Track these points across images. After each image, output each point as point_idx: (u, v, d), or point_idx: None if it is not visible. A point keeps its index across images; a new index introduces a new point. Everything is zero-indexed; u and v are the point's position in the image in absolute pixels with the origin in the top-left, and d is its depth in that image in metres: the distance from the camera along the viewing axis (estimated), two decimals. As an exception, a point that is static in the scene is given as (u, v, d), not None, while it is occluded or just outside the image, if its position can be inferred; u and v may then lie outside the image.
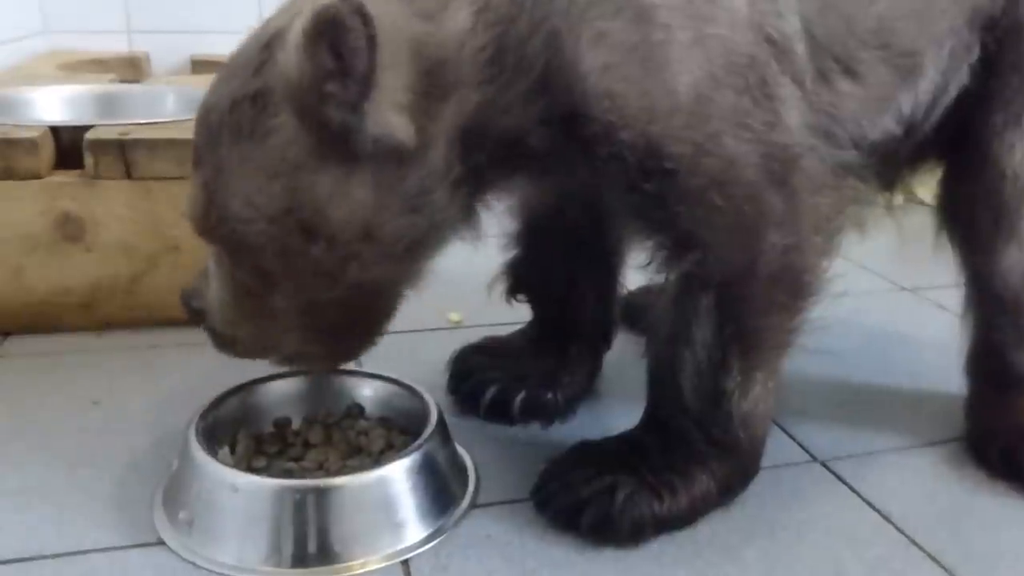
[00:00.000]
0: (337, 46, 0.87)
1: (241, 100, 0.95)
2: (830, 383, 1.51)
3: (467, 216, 1.06)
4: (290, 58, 0.90)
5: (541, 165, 1.05)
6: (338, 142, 0.93)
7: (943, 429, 1.35)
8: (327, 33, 0.86)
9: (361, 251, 0.98)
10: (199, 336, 1.55)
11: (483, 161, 1.01)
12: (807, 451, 1.29)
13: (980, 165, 1.22)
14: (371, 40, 0.87)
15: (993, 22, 1.19)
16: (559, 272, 1.37)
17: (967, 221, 1.27)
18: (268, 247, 0.98)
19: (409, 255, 1.02)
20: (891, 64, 1.14)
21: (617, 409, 1.36)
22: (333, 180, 0.94)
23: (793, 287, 1.07)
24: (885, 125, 1.18)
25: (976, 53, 1.20)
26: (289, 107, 0.93)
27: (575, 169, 1.05)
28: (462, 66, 0.95)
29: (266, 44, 0.96)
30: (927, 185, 1.42)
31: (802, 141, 1.04)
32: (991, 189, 1.22)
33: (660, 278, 1.10)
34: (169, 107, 2.01)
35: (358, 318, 1.09)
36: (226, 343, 1.11)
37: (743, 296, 1.05)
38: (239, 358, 1.14)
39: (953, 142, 1.25)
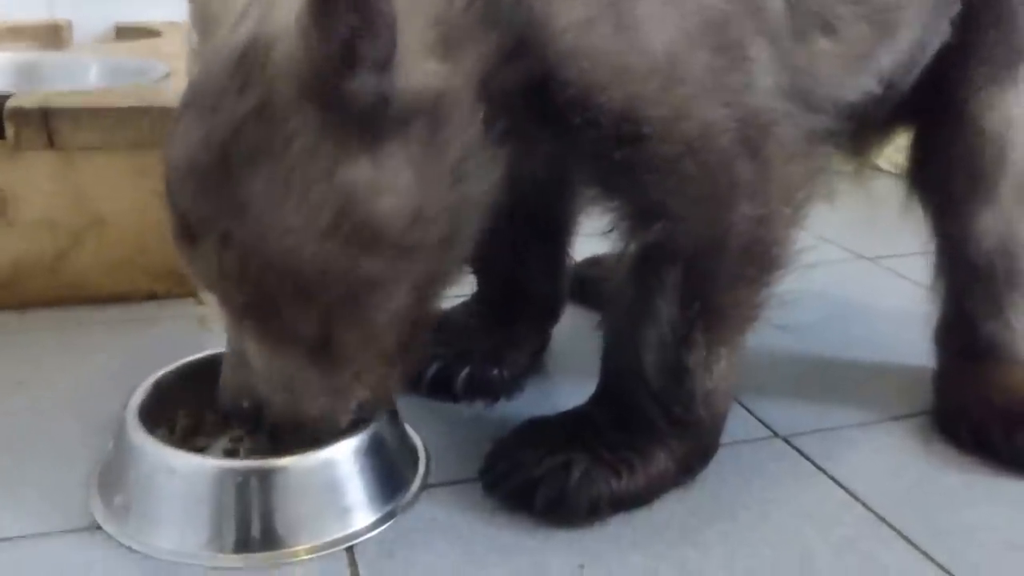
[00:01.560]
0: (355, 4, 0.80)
1: (242, 123, 0.86)
2: (790, 356, 1.49)
3: (500, 184, 0.99)
4: (297, 47, 0.83)
5: (529, 136, 0.99)
6: (369, 120, 0.85)
7: (907, 403, 1.33)
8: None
9: (416, 241, 0.91)
10: (126, 314, 1.54)
11: (504, 124, 0.94)
12: (767, 427, 1.27)
13: (956, 125, 1.21)
14: None
15: None
16: (506, 244, 1.32)
17: (941, 184, 1.26)
18: (322, 273, 0.89)
19: (459, 236, 0.95)
20: (871, 20, 1.12)
21: (565, 386, 1.34)
22: (373, 165, 0.87)
23: (762, 260, 1.05)
24: (864, 84, 1.16)
25: (957, 7, 1.19)
26: (304, 102, 0.85)
27: (549, 138, 1.00)
28: (457, 22, 0.89)
29: (240, 59, 0.87)
30: (885, 152, 1.41)
31: (775, 106, 1.02)
32: (968, 150, 1.21)
33: (616, 249, 1.08)
34: (92, 77, 1.99)
35: (416, 328, 1.01)
36: (295, 429, 1.02)
37: (711, 270, 1.03)
38: (315, 439, 1.04)
39: (929, 103, 1.24)
